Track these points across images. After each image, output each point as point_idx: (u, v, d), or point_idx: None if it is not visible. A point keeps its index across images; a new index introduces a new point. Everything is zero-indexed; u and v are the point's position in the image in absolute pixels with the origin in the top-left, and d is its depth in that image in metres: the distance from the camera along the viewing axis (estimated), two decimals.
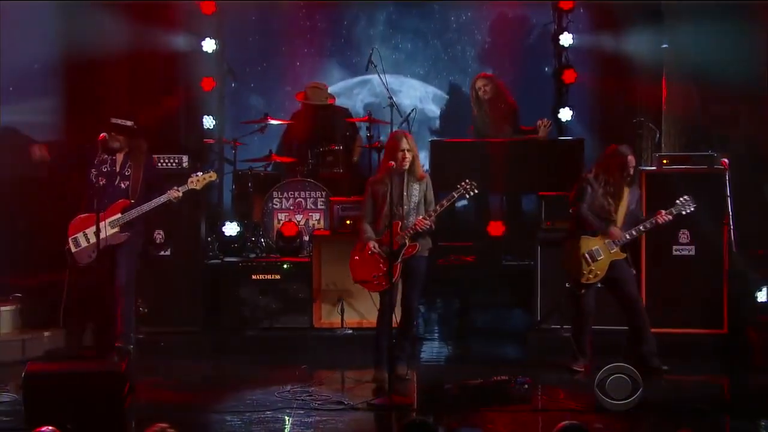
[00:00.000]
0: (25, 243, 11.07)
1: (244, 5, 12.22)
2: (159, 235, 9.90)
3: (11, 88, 11.16)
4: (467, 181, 8.75)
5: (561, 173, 10.84)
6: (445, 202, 8.78)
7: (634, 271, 9.16)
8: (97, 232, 8.70)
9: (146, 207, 9.03)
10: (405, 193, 8.77)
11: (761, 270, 9.87)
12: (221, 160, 11.61)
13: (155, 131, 11.16)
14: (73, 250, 9.03)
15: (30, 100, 11.19)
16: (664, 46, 11.37)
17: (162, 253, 9.94)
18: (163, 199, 9.01)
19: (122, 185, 9.09)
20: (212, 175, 9.19)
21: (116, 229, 9.01)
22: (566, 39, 11.76)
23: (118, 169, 9.09)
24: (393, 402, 8.04)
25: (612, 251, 8.92)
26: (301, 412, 8.00)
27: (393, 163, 8.67)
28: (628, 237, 8.97)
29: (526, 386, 8.18)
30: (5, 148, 11.05)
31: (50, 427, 5.67)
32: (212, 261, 10.34)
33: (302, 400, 8.29)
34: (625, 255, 8.96)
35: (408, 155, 8.75)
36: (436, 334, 10.65)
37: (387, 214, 8.58)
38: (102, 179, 9.06)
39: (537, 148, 11.11)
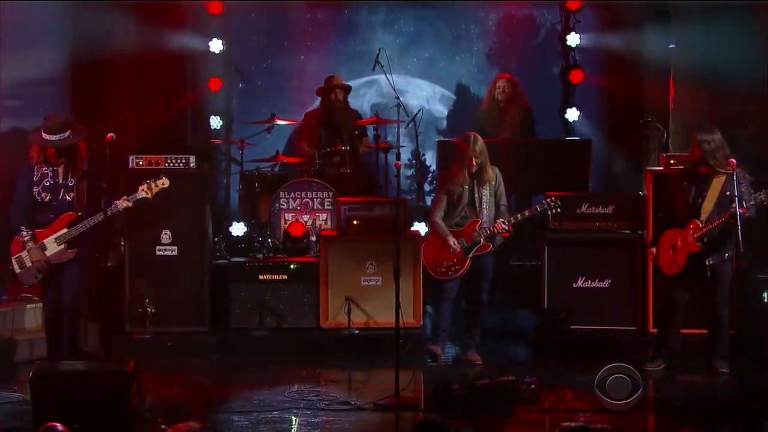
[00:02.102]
0: None
1: (251, 5, 12.23)
2: (166, 235, 9.91)
3: (18, 89, 11.17)
4: (553, 198, 9.29)
5: (568, 173, 10.86)
6: (526, 213, 9.40)
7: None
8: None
9: (90, 222, 8.49)
10: (477, 195, 9.34)
11: None
12: (228, 160, 11.62)
13: (163, 131, 11.22)
14: (17, 271, 8.60)
15: (37, 101, 11.20)
16: (672, 46, 11.36)
17: (168, 253, 9.93)
18: (109, 211, 8.44)
19: (68, 197, 8.58)
20: (165, 182, 8.70)
21: (62, 246, 8.52)
22: (573, 39, 11.77)
23: (60, 181, 8.56)
24: (400, 402, 8.04)
25: (688, 244, 8.85)
26: (308, 412, 8.01)
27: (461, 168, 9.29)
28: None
29: (533, 387, 8.18)
30: (13, 149, 11.07)
31: (60, 425, 5.67)
32: (219, 261, 10.33)
33: (309, 400, 8.29)
34: (699, 248, 8.81)
35: (475, 162, 9.27)
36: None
37: (461, 212, 9.34)
38: (46, 195, 8.56)
39: (544, 148, 11.12)
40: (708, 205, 8.82)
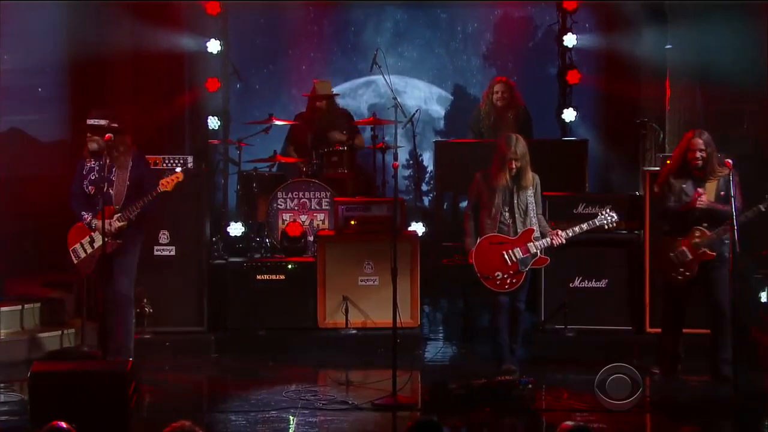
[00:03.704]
0: (32, 243, 11.13)
1: (249, 6, 12.24)
2: (164, 235, 9.92)
3: (17, 89, 11.18)
4: (608, 211, 9.00)
5: (565, 174, 10.86)
6: (584, 226, 8.99)
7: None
8: (105, 242, 8.57)
9: (139, 205, 8.75)
10: (517, 200, 8.93)
11: (764, 270, 9.86)
12: (226, 160, 11.61)
13: (160, 131, 11.23)
14: (75, 261, 8.92)
15: (36, 101, 11.22)
16: (668, 46, 11.38)
17: (166, 253, 9.94)
18: (151, 195, 8.75)
19: (110, 191, 8.83)
20: (179, 176, 8.83)
21: (108, 238, 8.69)
22: (570, 39, 11.77)
23: (105, 174, 8.79)
24: (397, 402, 8.06)
25: (699, 251, 8.65)
26: (306, 411, 8.02)
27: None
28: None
29: (530, 386, 8.18)
30: (12, 149, 11.09)
31: (65, 423, 5.68)
32: (217, 261, 10.33)
33: (307, 399, 8.31)
34: (714, 255, 8.63)
35: (514, 165, 8.88)
36: (441, 334, 10.67)
37: (497, 216, 8.87)
38: (92, 188, 8.84)
39: (540, 148, 11.11)
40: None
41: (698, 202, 8.59)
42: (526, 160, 8.94)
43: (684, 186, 8.71)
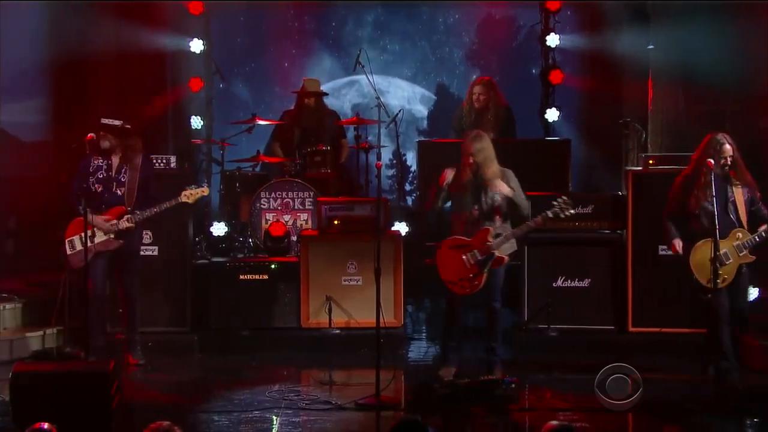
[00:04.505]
0: (13, 243, 11.09)
1: (231, 6, 12.22)
2: (147, 235, 9.89)
3: None
4: (564, 198, 8.70)
5: (548, 173, 10.88)
6: (539, 220, 8.74)
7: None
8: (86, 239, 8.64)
9: (155, 210, 9.02)
10: (483, 199, 8.73)
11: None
12: (209, 160, 11.60)
13: (143, 131, 11.18)
14: (68, 252, 9.00)
15: (17, 100, 11.18)
16: (650, 46, 11.41)
17: (149, 253, 9.92)
18: (170, 203, 9.03)
19: (118, 192, 9.03)
20: (205, 190, 9.24)
21: (110, 236, 8.97)
22: (553, 40, 11.80)
23: (113, 175, 9.03)
24: (380, 402, 8.06)
25: (741, 254, 8.45)
26: (289, 411, 8.01)
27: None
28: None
29: (514, 386, 8.19)
30: None
31: (47, 424, 5.66)
32: (200, 261, 10.32)
33: (290, 399, 8.29)
34: (754, 258, 8.48)
35: (472, 160, 8.69)
36: (424, 334, 10.67)
37: (471, 218, 8.67)
38: (99, 186, 8.99)
39: (524, 148, 11.15)
40: (743, 214, 8.54)
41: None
42: (485, 155, 8.72)
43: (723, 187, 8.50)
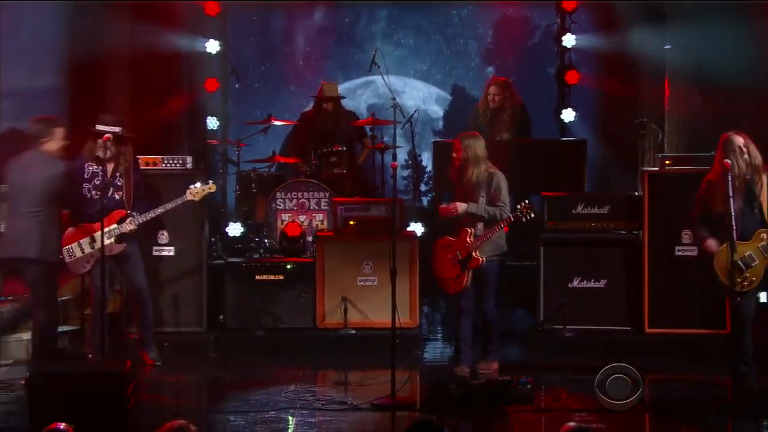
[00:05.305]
0: None
1: (246, 6, 12.23)
2: (163, 236, 9.92)
3: (14, 90, 11.17)
4: (526, 203, 8.75)
5: (564, 174, 10.87)
6: (504, 224, 8.83)
7: None
8: (103, 244, 8.57)
9: (160, 210, 9.05)
10: (466, 198, 8.90)
11: None
12: (225, 161, 11.60)
13: (159, 132, 11.22)
14: (67, 260, 8.98)
15: (34, 101, 11.20)
16: (667, 46, 11.37)
17: (165, 253, 9.95)
18: (176, 202, 9.05)
19: (116, 196, 9.02)
20: (211, 187, 9.21)
21: (111, 240, 8.91)
22: (569, 40, 11.76)
23: (109, 179, 8.99)
24: (396, 402, 8.05)
25: (767, 255, 8.20)
26: (305, 412, 8.02)
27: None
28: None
29: (529, 386, 8.18)
30: (11, 150, 11.08)
31: (63, 424, 5.68)
32: (216, 261, 10.33)
33: (306, 400, 8.30)
34: None
35: (457, 157, 8.90)
36: (440, 335, 10.66)
37: (458, 218, 8.85)
38: (96, 192, 8.94)
39: (539, 148, 11.13)
40: None
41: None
42: (471, 153, 8.87)
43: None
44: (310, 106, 11.70)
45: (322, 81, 11.57)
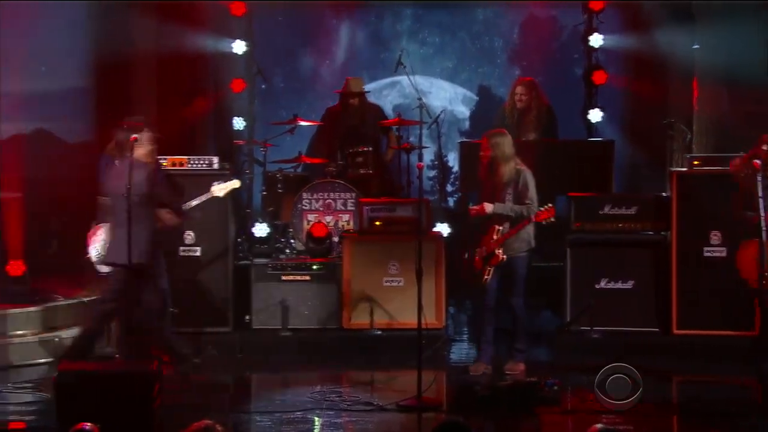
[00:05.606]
0: (58, 243, 11.16)
1: (273, 6, 12.24)
2: (189, 236, 9.94)
3: (43, 90, 11.21)
4: (548, 206, 8.83)
5: (591, 174, 10.82)
6: (513, 232, 8.90)
7: None
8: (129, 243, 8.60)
9: (188, 205, 9.01)
10: (495, 196, 8.94)
11: None
12: (251, 161, 11.61)
13: (185, 133, 11.24)
14: (94, 259, 8.99)
15: (62, 102, 11.24)
16: (696, 46, 11.31)
17: (192, 254, 9.96)
18: (201, 199, 9.01)
19: None
20: (235, 183, 9.18)
21: None
22: (596, 40, 11.71)
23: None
24: (422, 403, 8.03)
25: None
26: (331, 412, 8.01)
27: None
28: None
29: (556, 388, 8.16)
30: (38, 150, 11.13)
31: (89, 424, 5.69)
32: (242, 262, 10.34)
33: (332, 400, 8.29)
34: None
35: (484, 155, 8.95)
36: (465, 335, 10.63)
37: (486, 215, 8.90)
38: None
39: (566, 149, 11.09)
40: None
41: None
42: (499, 151, 8.93)
43: None
44: (335, 103, 11.68)
45: (348, 77, 11.57)
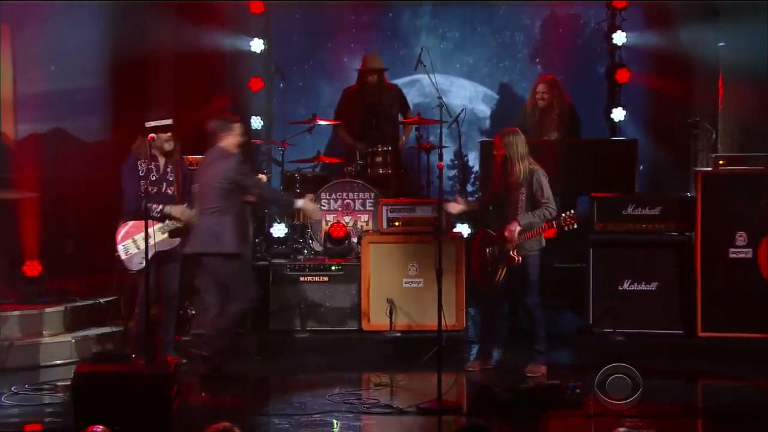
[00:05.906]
0: (75, 243, 11.14)
1: (291, 5, 12.21)
2: None
3: (60, 90, 11.20)
4: (571, 212, 8.75)
5: (614, 174, 10.73)
6: (529, 236, 8.83)
7: None
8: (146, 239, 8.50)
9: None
10: (508, 195, 8.91)
11: None
12: (269, 160, 11.59)
13: (203, 132, 11.18)
14: (123, 257, 8.97)
15: (79, 101, 11.23)
16: (721, 44, 11.21)
17: None
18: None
19: (169, 191, 9.05)
20: (262, 177, 9.22)
21: (165, 235, 8.98)
22: (619, 37, 11.63)
23: (162, 175, 9.04)
24: (442, 406, 7.94)
25: None
26: (350, 415, 7.94)
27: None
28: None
29: (578, 391, 8.07)
30: (56, 150, 11.12)
31: (101, 427, 5.64)
32: (260, 263, 10.29)
33: (351, 403, 8.22)
34: None
35: (498, 154, 8.93)
36: None
37: (501, 214, 8.90)
38: (153, 188, 8.95)
39: (589, 148, 11.00)
40: None
41: None
42: (513, 150, 8.87)
43: None
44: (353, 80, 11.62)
45: (365, 54, 11.52)
